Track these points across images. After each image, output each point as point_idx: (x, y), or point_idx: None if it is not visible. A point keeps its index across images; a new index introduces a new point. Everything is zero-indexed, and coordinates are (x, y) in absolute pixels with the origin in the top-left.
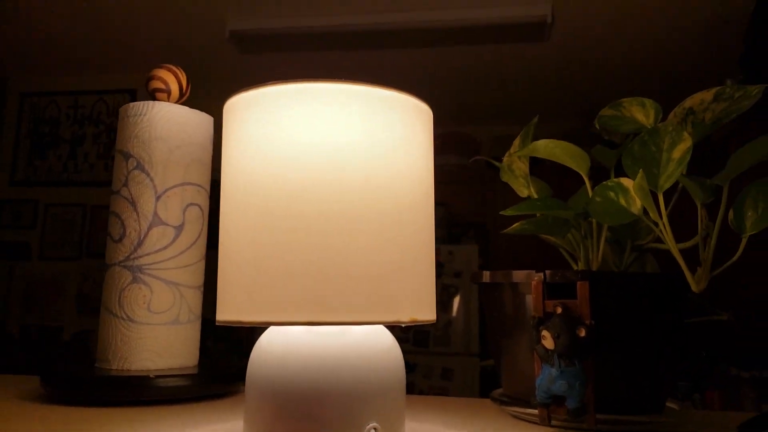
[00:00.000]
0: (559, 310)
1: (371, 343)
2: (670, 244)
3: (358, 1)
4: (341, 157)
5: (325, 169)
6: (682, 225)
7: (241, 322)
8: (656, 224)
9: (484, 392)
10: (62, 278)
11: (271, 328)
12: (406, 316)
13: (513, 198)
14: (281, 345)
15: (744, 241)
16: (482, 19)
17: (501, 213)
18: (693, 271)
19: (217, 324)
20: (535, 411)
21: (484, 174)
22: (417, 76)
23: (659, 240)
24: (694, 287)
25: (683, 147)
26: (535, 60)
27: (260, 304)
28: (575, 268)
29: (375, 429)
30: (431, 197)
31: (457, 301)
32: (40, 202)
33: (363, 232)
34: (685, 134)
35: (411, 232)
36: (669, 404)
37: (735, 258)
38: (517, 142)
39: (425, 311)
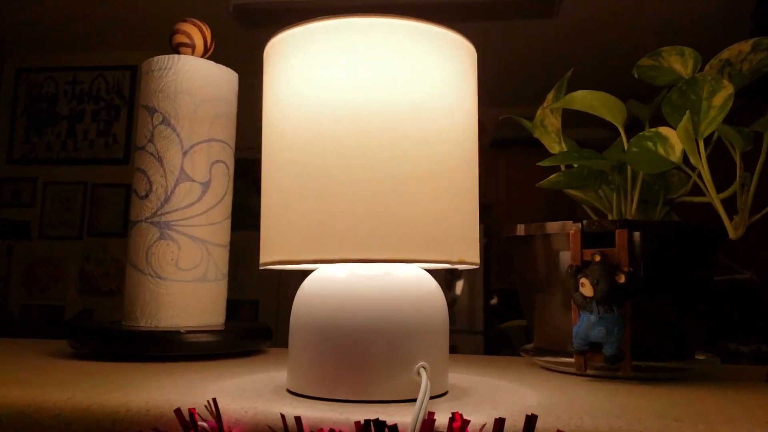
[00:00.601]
0: (598, 258)
1: (416, 284)
2: (711, 190)
3: None
4: (390, 94)
5: (374, 106)
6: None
7: (290, 261)
8: (695, 171)
9: None
10: (63, 258)
11: (313, 273)
12: (455, 256)
13: (517, 179)
14: (326, 287)
15: None
16: None
17: (538, 164)
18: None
19: (261, 267)
20: (568, 360)
21: (489, 154)
22: None
23: (691, 193)
24: (732, 234)
25: (724, 94)
26: (542, 38)
27: (309, 243)
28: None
29: (424, 368)
30: (476, 140)
31: (461, 280)
32: (39, 180)
33: (412, 171)
34: (725, 82)
35: (459, 173)
36: (697, 356)
37: None
38: (550, 96)
39: (472, 253)
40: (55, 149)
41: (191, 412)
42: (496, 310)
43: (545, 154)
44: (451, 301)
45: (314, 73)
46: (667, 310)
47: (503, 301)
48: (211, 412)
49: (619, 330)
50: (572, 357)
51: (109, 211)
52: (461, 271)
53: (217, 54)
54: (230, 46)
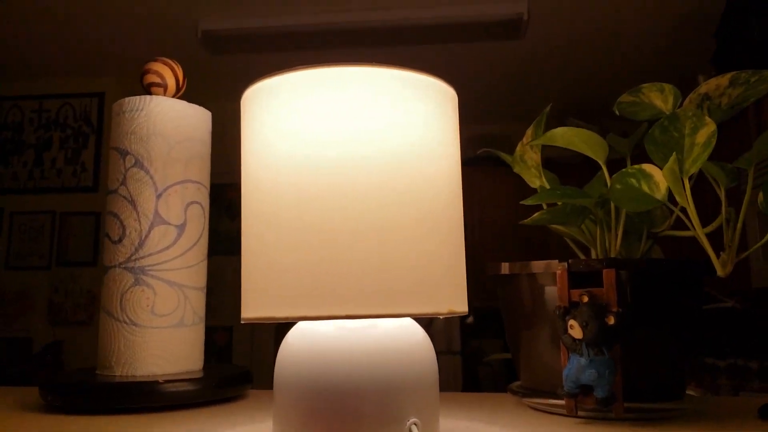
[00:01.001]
0: (586, 299)
1: (403, 336)
2: (697, 227)
3: (332, 0)
4: (372, 144)
5: (355, 158)
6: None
7: (272, 318)
8: (678, 209)
9: (466, 390)
10: (31, 288)
11: (297, 326)
12: (444, 307)
13: (493, 195)
14: (311, 342)
15: None
16: (458, 17)
17: (521, 202)
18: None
19: (242, 322)
20: (555, 401)
21: (471, 177)
22: None
23: (674, 227)
24: (720, 272)
25: (707, 131)
26: (510, 58)
27: (292, 299)
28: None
29: (416, 425)
30: (460, 184)
31: None
32: (6, 210)
33: (398, 223)
34: (707, 119)
35: (445, 220)
36: (689, 391)
37: (762, 242)
38: (529, 131)
39: (460, 302)
40: (22, 178)
41: None
42: (472, 329)
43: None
44: (428, 322)
45: (292, 126)
46: (657, 348)
47: (479, 319)
48: None
49: (610, 373)
50: (562, 399)
51: (78, 240)
52: None
53: (187, 81)
54: (199, 72)
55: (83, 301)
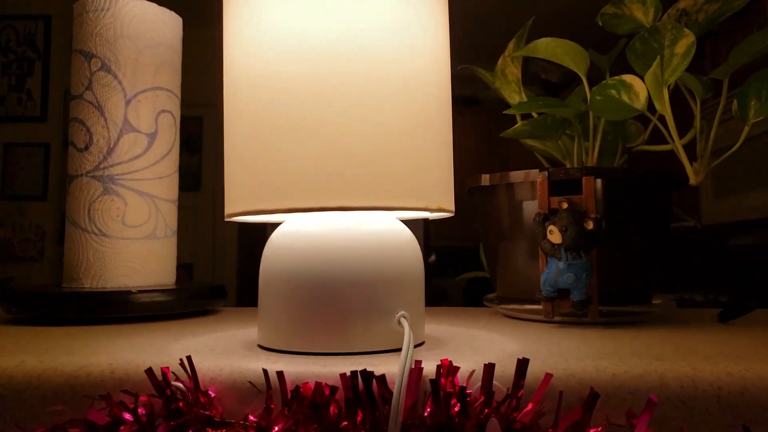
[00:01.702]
0: (565, 206)
1: (390, 233)
2: (674, 135)
3: None
4: (362, 38)
5: (345, 51)
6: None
7: (258, 211)
8: (657, 118)
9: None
10: None
11: (281, 226)
12: (434, 203)
13: (467, 134)
14: (297, 239)
15: (746, 130)
16: None
17: (504, 112)
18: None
19: (226, 218)
20: (533, 307)
21: None
22: None
23: (648, 142)
24: (693, 179)
25: (686, 42)
26: None
27: (278, 191)
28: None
29: (404, 317)
30: (450, 88)
31: None
32: None
33: (389, 117)
34: (686, 30)
35: (435, 119)
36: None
37: (736, 147)
38: (512, 44)
39: (448, 200)
40: None
41: (164, 371)
42: (434, 268)
43: (480, 114)
44: None
45: (279, 17)
46: (628, 254)
47: (441, 258)
48: (185, 371)
49: (587, 276)
50: (538, 304)
51: (26, 172)
52: None
53: None
54: None
55: (33, 236)
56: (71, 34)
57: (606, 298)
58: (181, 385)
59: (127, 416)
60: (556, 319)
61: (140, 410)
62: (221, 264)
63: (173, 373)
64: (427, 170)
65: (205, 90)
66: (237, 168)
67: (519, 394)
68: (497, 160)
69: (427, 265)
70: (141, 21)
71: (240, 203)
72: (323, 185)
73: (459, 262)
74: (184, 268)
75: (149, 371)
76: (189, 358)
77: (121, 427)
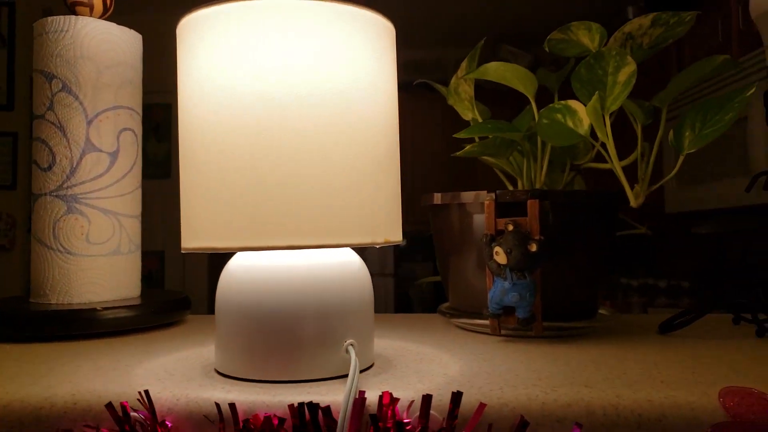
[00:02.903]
0: (511, 228)
1: (340, 264)
2: (615, 161)
3: None
4: (310, 79)
5: (292, 92)
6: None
7: (212, 249)
8: (599, 143)
9: (398, 310)
10: None
11: (238, 255)
12: (380, 237)
13: (426, 120)
14: (251, 270)
15: (681, 159)
16: None
17: (454, 135)
18: (630, 188)
19: (183, 251)
20: (482, 322)
21: (406, 103)
22: None
23: (595, 160)
24: (632, 202)
25: (628, 70)
26: None
27: (232, 230)
28: (512, 188)
29: (352, 345)
30: (397, 119)
31: None
32: None
33: (336, 157)
34: (629, 58)
35: (383, 156)
36: (601, 310)
37: (672, 174)
38: (464, 65)
39: (395, 232)
40: None
41: (123, 405)
42: (405, 252)
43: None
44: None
45: (227, 58)
46: (573, 272)
47: (412, 243)
48: (143, 404)
49: (531, 295)
50: (487, 319)
51: None
52: None
53: None
54: None
55: (3, 225)
56: (36, 19)
57: (551, 312)
58: (140, 416)
59: None
60: (503, 332)
61: None
62: (191, 258)
63: (132, 404)
64: (373, 209)
65: (173, 76)
66: (192, 207)
67: (454, 423)
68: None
69: (398, 250)
70: (101, 41)
71: (195, 240)
72: (273, 225)
73: (428, 247)
74: (156, 254)
75: (109, 406)
76: (147, 392)
77: None
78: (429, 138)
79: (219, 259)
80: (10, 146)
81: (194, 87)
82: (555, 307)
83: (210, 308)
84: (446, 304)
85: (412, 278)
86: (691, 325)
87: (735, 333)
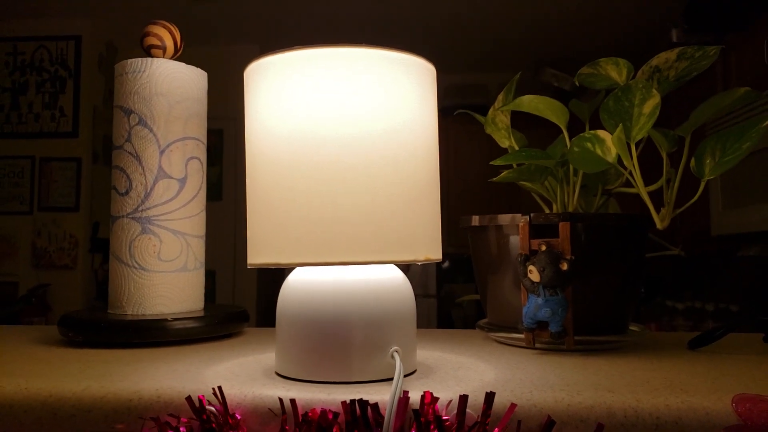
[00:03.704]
0: (544, 248)
1: (386, 278)
2: (640, 186)
3: None
4: (359, 114)
5: (346, 133)
6: (643, 173)
7: (277, 264)
8: (627, 171)
9: (441, 328)
10: (14, 233)
11: (296, 271)
12: (422, 255)
13: (467, 146)
14: (310, 282)
15: (703, 185)
16: None
17: (491, 163)
18: (657, 211)
19: (249, 267)
20: (518, 335)
21: (448, 128)
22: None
23: (625, 185)
24: (658, 225)
25: (652, 103)
26: (487, 7)
27: (293, 249)
28: (548, 211)
29: (397, 352)
30: (437, 151)
31: None
32: None
33: (383, 187)
34: (654, 91)
35: (425, 184)
36: (631, 327)
37: (695, 199)
38: (501, 97)
39: (435, 251)
40: None
41: (200, 399)
42: (447, 274)
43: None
44: (406, 267)
45: (289, 101)
46: (605, 290)
47: (454, 264)
48: (217, 398)
49: (562, 310)
50: (522, 333)
51: (59, 185)
52: None
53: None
54: (177, 19)
55: (67, 245)
56: (99, 51)
57: (583, 327)
58: (213, 409)
59: None
60: (537, 346)
61: (182, 429)
62: (241, 269)
63: (207, 399)
64: (415, 229)
65: (225, 103)
66: (258, 228)
67: (486, 422)
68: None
69: (440, 272)
70: (172, 79)
71: (261, 256)
72: (328, 244)
73: (469, 268)
74: (207, 274)
75: (189, 399)
76: (220, 388)
77: None
78: (472, 161)
79: (266, 278)
80: (74, 171)
81: (260, 125)
82: (586, 323)
83: (259, 323)
84: (485, 320)
85: (453, 299)
86: (722, 343)
87: (764, 350)
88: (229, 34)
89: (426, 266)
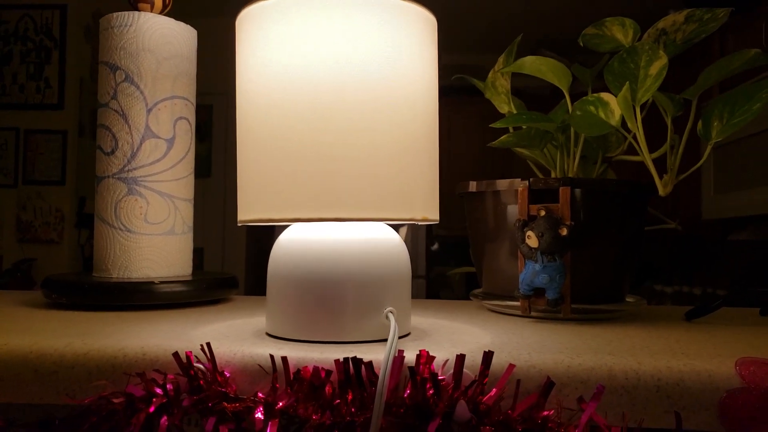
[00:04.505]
0: (543, 213)
1: (383, 237)
2: (644, 151)
3: None
4: (358, 67)
5: (342, 80)
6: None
7: (269, 220)
8: (631, 134)
9: None
10: None
11: (288, 230)
12: (419, 214)
13: (462, 124)
14: (302, 242)
15: (709, 149)
16: None
17: (491, 125)
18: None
19: (239, 223)
20: (514, 303)
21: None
22: None
23: (626, 153)
24: (661, 191)
25: (659, 64)
26: None
27: (286, 204)
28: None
29: (392, 312)
30: (436, 104)
31: (405, 227)
32: None
33: (381, 139)
34: (661, 52)
35: (423, 139)
36: (627, 298)
37: (699, 164)
38: (501, 59)
39: (433, 211)
40: None
41: (188, 355)
42: (437, 255)
43: (484, 101)
44: None
45: (289, 45)
46: (603, 258)
47: (443, 246)
48: (205, 355)
49: (560, 277)
50: (518, 301)
51: (45, 158)
52: None
53: None
54: None
55: (52, 219)
56: (86, 21)
57: (580, 296)
58: (201, 366)
59: (158, 391)
60: (533, 314)
61: (168, 386)
62: (231, 248)
63: (195, 356)
64: (414, 186)
65: (215, 78)
66: (249, 182)
67: (484, 381)
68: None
69: (430, 254)
70: (161, 35)
71: (252, 212)
72: (324, 199)
73: (460, 251)
74: (195, 252)
75: (176, 355)
76: (208, 344)
77: (153, 399)
78: (467, 141)
79: (255, 248)
80: (60, 143)
81: (253, 72)
82: (583, 292)
83: (248, 291)
84: (479, 290)
85: (443, 281)
86: (718, 315)
87: (761, 322)
88: (218, 6)
89: (416, 247)
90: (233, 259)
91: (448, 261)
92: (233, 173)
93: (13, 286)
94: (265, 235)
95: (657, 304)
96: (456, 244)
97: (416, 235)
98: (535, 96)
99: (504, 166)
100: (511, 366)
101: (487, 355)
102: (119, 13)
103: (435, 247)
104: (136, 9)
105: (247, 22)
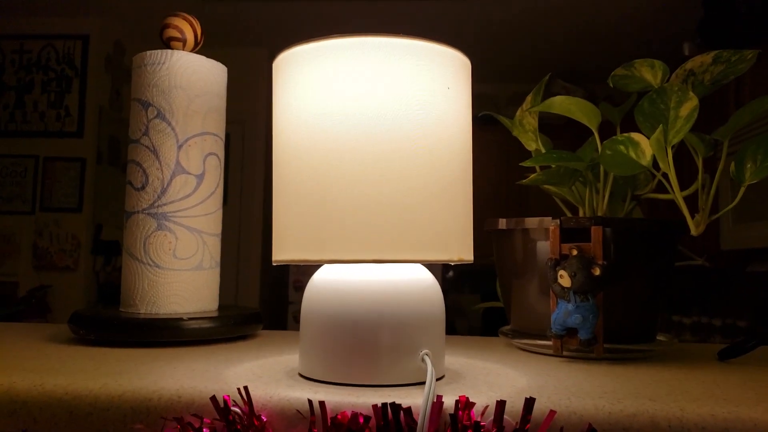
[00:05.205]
0: (575, 252)
1: (417, 278)
2: (676, 191)
3: None
4: (394, 107)
5: (385, 124)
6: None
7: (305, 261)
8: (661, 174)
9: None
10: (15, 233)
11: (322, 269)
12: (455, 255)
13: (484, 152)
14: (336, 282)
15: (742, 190)
16: None
17: (521, 164)
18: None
19: (274, 263)
20: (544, 342)
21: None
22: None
23: (655, 190)
24: (693, 231)
25: (690, 105)
26: (497, 20)
27: (321, 245)
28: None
29: (427, 355)
30: (471, 148)
31: None
32: None
33: (417, 182)
34: (691, 93)
35: (458, 181)
36: (658, 337)
37: (734, 203)
38: (529, 98)
39: (467, 251)
40: (2, 120)
41: (225, 399)
42: (452, 283)
43: (503, 131)
44: None
45: (326, 89)
46: (634, 297)
47: (459, 274)
48: (242, 398)
49: (593, 317)
50: (549, 340)
51: (63, 185)
52: None
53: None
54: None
55: (68, 246)
56: (107, 52)
57: (611, 336)
58: (238, 410)
59: None
60: (565, 354)
61: (205, 430)
62: (244, 278)
63: (232, 399)
64: (450, 228)
65: (231, 107)
66: (285, 223)
67: (526, 428)
68: (518, 176)
69: (445, 281)
70: (192, 72)
71: (288, 252)
72: (360, 241)
73: (475, 279)
74: None
75: (213, 399)
76: (246, 388)
77: None
78: (489, 167)
79: (270, 279)
80: (78, 171)
81: (290, 115)
82: (615, 331)
83: (264, 326)
84: (508, 327)
85: (459, 310)
86: (751, 355)
87: None
88: (238, 37)
89: (432, 274)
90: (247, 285)
91: (462, 288)
92: (249, 203)
93: (28, 313)
94: (280, 266)
95: (676, 335)
96: (471, 273)
97: (433, 264)
98: (553, 126)
99: (521, 195)
100: (552, 412)
101: (529, 402)
102: (153, 51)
103: (450, 274)
104: (169, 47)
105: (285, 65)
